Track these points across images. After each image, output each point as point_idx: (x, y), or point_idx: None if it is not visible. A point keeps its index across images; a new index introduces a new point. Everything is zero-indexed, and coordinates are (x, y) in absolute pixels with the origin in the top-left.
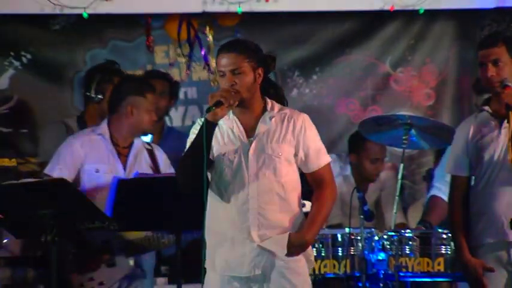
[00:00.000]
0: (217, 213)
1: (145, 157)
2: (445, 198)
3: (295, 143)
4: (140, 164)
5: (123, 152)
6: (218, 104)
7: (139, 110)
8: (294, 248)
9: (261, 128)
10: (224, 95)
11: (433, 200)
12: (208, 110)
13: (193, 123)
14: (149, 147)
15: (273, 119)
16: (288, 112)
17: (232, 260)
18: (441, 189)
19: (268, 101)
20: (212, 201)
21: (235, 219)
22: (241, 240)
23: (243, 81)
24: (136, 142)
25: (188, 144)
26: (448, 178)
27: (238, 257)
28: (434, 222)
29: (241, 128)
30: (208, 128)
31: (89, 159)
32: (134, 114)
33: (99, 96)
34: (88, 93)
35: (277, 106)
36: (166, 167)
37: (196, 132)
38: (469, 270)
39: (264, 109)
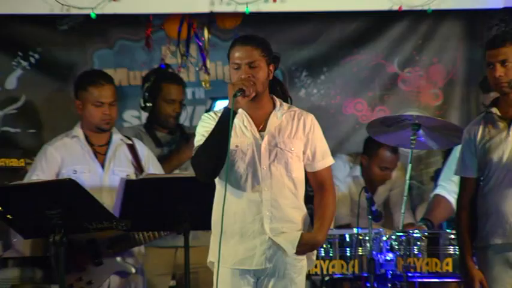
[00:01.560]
0: (226, 206)
1: (126, 153)
2: (449, 197)
3: (305, 140)
4: (120, 160)
5: (100, 150)
6: (241, 91)
7: (85, 105)
8: (305, 247)
9: (272, 122)
10: (245, 83)
11: (436, 199)
12: (235, 96)
13: None
14: (130, 142)
15: (284, 116)
16: (297, 110)
17: (242, 253)
18: (446, 188)
19: (276, 99)
20: (220, 192)
21: (247, 211)
22: (251, 232)
23: (258, 75)
24: (115, 138)
25: (199, 137)
26: (453, 177)
27: (248, 250)
28: (436, 221)
29: (252, 123)
30: (229, 117)
31: (66, 163)
32: (83, 109)
33: (148, 105)
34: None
35: (285, 104)
36: (148, 161)
37: (208, 124)
38: (468, 279)
39: (273, 106)
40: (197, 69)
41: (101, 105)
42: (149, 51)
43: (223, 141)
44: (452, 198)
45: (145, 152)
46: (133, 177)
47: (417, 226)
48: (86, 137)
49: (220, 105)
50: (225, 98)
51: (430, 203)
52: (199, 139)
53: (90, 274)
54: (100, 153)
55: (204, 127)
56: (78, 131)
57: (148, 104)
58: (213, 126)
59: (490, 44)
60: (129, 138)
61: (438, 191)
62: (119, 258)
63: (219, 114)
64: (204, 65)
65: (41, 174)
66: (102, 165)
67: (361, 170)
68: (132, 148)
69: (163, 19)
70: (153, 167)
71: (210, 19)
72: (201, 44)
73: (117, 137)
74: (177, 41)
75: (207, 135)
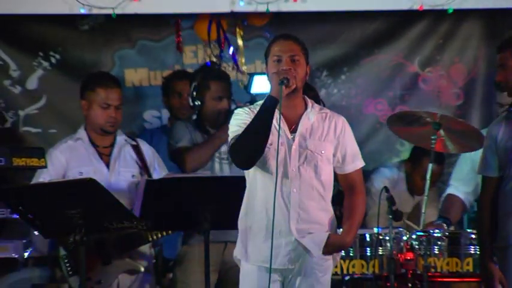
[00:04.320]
0: (254, 202)
1: (130, 153)
2: (462, 196)
3: (336, 143)
4: (125, 161)
5: (104, 152)
6: (286, 80)
7: (91, 105)
8: (332, 248)
9: (304, 124)
10: (289, 73)
11: (450, 198)
12: (282, 84)
13: None
14: (134, 143)
15: (315, 117)
16: (328, 112)
17: (266, 251)
18: (458, 188)
19: (308, 100)
20: (250, 190)
21: (275, 211)
22: (278, 232)
23: (299, 70)
24: (119, 139)
25: (235, 128)
26: (463, 177)
27: (273, 249)
28: (453, 220)
29: (285, 122)
30: (273, 104)
31: (71, 165)
32: (89, 110)
33: (197, 103)
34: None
35: (317, 106)
36: (154, 161)
37: (243, 118)
38: (487, 279)
39: (305, 107)
40: (230, 69)
41: (107, 107)
42: (180, 53)
43: (266, 129)
44: (464, 197)
45: (150, 152)
46: (139, 177)
47: (437, 224)
48: (90, 139)
49: (258, 80)
50: (262, 73)
51: (444, 202)
52: (235, 130)
53: (99, 274)
54: (105, 154)
55: (238, 120)
56: (81, 133)
57: (197, 103)
58: (249, 119)
59: (498, 48)
60: (133, 139)
61: (451, 190)
62: (127, 258)
63: (253, 109)
64: (236, 64)
65: (48, 178)
66: (107, 166)
67: (405, 177)
68: (136, 148)
69: (192, 21)
70: (158, 167)
71: (241, 18)
72: (231, 44)
73: (121, 137)
74: (208, 42)
75: (244, 126)
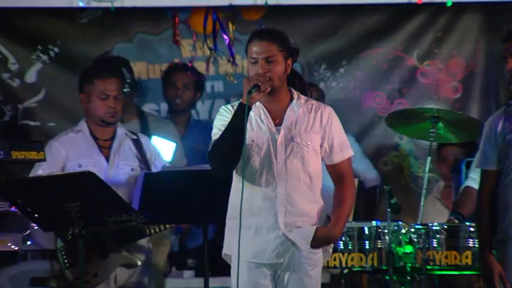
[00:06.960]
0: (241, 199)
1: (130, 147)
2: None
3: (322, 133)
4: (125, 154)
5: (104, 145)
6: (256, 87)
7: (90, 98)
8: (320, 241)
9: (289, 116)
10: (261, 79)
11: (467, 191)
12: (250, 93)
13: None
14: (134, 137)
15: (301, 109)
16: (314, 103)
17: (255, 246)
18: (476, 180)
19: (294, 92)
20: (237, 186)
21: (262, 206)
22: (266, 227)
23: (275, 70)
24: (119, 132)
25: (215, 131)
26: None
27: (261, 244)
28: (466, 213)
29: (269, 117)
30: (243, 112)
31: (71, 157)
32: (88, 103)
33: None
34: None
35: (303, 97)
36: (153, 155)
37: (224, 118)
38: (487, 272)
39: (291, 99)
40: (226, 61)
41: (106, 98)
42: (178, 46)
43: (238, 137)
44: None
45: (150, 146)
46: (138, 171)
47: (448, 219)
48: (91, 132)
49: (156, 140)
50: None
51: (460, 195)
52: (215, 132)
53: (96, 267)
54: (104, 147)
55: (220, 120)
56: (83, 125)
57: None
58: (229, 120)
59: (504, 38)
60: (133, 133)
61: (469, 182)
62: (125, 252)
63: (235, 107)
64: (233, 57)
65: (47, 168)
66: (107, 159)
67: None
68: (137, 142)
69: (187, 14)
70: (158, 161)
71: (235, 11)
72: (227, 37)
73: (121, 131)
74: (204, 35)
75: (223, 129)
